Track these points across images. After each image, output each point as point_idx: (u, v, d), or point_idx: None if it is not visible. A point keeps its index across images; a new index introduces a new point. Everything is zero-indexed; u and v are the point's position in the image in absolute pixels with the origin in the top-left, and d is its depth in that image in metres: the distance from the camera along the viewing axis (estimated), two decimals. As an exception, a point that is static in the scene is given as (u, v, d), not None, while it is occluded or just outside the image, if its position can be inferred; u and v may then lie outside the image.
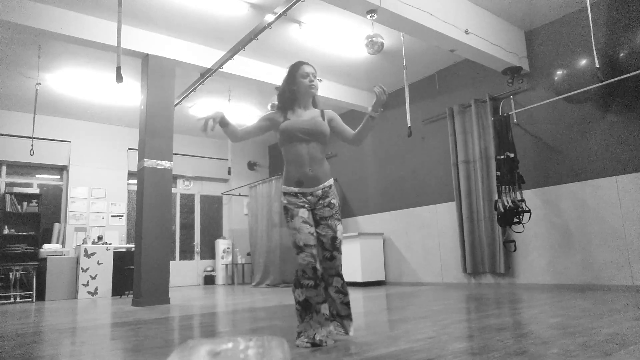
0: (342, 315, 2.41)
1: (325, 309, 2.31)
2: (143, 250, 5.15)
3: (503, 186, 5.21)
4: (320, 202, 2.40)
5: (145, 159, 5.34)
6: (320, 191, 2.40)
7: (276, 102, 2.59)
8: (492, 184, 5.72)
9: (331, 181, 2.47)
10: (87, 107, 7.72)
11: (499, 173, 5.28)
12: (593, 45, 4.26)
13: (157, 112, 5.52)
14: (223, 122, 2.39)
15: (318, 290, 2.29)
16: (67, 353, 2.48)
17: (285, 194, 2.42)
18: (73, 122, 8.33)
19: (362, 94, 7.55)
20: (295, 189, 2.38)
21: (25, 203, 7.47)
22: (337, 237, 2.37)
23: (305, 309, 2.30)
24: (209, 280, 9.66)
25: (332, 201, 2.42)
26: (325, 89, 7.02)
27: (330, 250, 2.36)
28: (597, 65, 4.22)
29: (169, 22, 5.31)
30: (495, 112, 5.84)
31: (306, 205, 2.38)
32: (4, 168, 7.92)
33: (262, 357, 0.92)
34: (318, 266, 2.30)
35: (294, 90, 2.47)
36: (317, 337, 2.22)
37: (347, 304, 2.42)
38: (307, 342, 2.21)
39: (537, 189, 5.40)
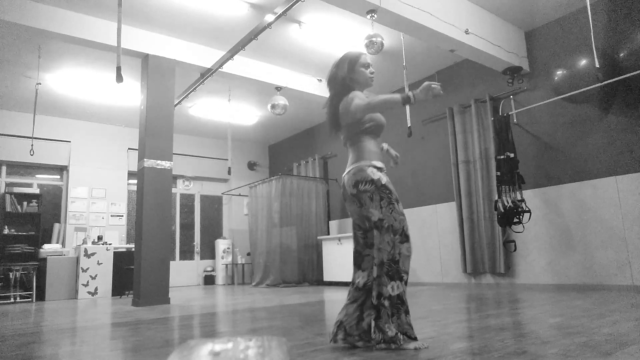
0: None
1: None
2: (143, 250, 5.15)
3: (503, 186, 5.22)
4: None
5: (145, 159, 5.34)
6: None
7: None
8: (492, 184, 5.72)
9: None
10: (87, 107, 7.72)
11: (499, 173, 5.28)
12: (593, 45, 4.27)
13: (157, 112, 5.52)
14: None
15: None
16: (67, 353, 2.48)
17: (379, 169, 2.22)
18: (73, 122, 8.33)
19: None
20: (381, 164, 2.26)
21: (25, 203, 7.47)
22: None
23: (395, 306, 2.06)
24: (209, 280, 9.66)
25: None
26: (326, 89, 7.01)
27: None
28: (597, 65, 4.22)
29: (169, 22, 5.31)
30: (495, 112, 5.84)
31: None
32: (4, 168, 7.92)
33: (262, 357, 0.92)
34: None
35: (352, 79, 2.34)
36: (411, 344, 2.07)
37: None
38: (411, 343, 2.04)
39: (537, 189, 5.40)
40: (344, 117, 2.30)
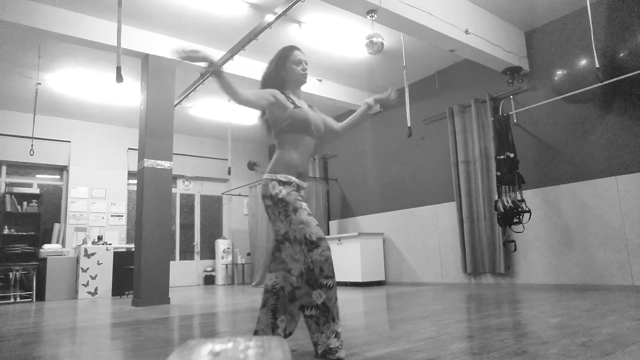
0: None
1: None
2: (143, 250, 5.15)
3: (503, 186, 5.22)
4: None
5: (145, 159, 5.34)
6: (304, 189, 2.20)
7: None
8: (492, 184, 5.72)
9: None
10: (87, 107, 7.72)
11: (499, 173, 5.28)
12: (593, 45, 4.27)
13: (157, 112, 5.52)
14: (216, 71, 1.88)
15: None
16: (67, 353, 2.48)
17: (283, 183, 2.09)
18: (73, 122, 8.33)
19: (362, 94, 7.55)
20: (296, 180, 2.13)
21: (25, 203, 7.47)
22: None
23: (323, 314, 2.01)
24: (209, 280, 9.66)
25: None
26: (326, 89, 7.01)
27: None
28: (597, 65, 4.22)
29: (169, 22, 5.31)
30: (495, 112, 5.84)
31: (304, 200, 2.17)
32: (4, 168, 7.92)
33: (262, 357, 0.92)
34: None
35: (283, 77, 2.23)
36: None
37: None
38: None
39: (537, 189, 5.40)
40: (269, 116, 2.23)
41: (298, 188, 2.14)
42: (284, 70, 2.24)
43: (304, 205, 2.11)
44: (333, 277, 2.03)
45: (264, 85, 2.26)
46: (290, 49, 2.29)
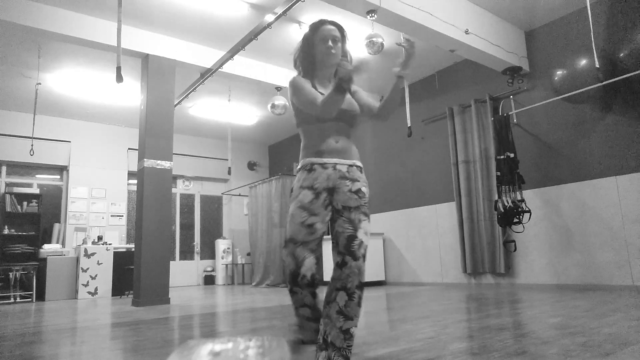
0: (335, 347, 1.63)
1: (305, 312, 1.80)
2: (143, 250, 5.15)
3: (503, 186, 5.22)
4: (347, 183, 1.79)
5: (145, 159, 5.34)
6: (346, 166, 1.81)
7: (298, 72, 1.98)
8: (492, 184, 5.72)
9: (361, 164, 1.89)
10: (87, 107, 7.72)
11: (499, 173, 5.28)
12: (593, 45, 4.27)
13: (157, 112, 5.53)
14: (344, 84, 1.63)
15: (297, 296, 1.78)
16: (67, 353, 2.48)
17: (299, 169, 1.85)
18: (73, 122, 8.33)
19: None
20: (314, 159, 1.81)
21: (25, 203, 7.47)
22: (357, 236, 1.72)
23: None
24: (209, 280, 9.66)
25: (362, 188, 1.81)
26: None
27: (343, 253, 1.72)
28: (597, 65, 4.22)
29: (169, 22, 5.31)
30: (495, 112, 5.84)
31: (317, 185, 1.77)
32: (4, 168, 7.92)
33: (262, 357, 0.92)
34: (302, 271, 1.71)
35: (313, 55, 1.91)
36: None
37: (347, 332, 1.65)
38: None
39: (537, 189, 5.40)
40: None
41: (318, 167, 1.80)
42: (312, 48, 1.91)
43: (303, 194, 1.78)
44: (287, 282, 1.79)
45: (295, 64, 1.99)
46: (319, 23, 1.92)
